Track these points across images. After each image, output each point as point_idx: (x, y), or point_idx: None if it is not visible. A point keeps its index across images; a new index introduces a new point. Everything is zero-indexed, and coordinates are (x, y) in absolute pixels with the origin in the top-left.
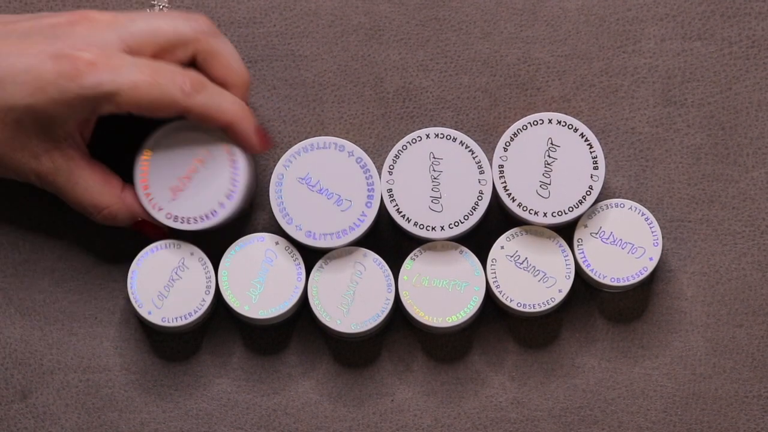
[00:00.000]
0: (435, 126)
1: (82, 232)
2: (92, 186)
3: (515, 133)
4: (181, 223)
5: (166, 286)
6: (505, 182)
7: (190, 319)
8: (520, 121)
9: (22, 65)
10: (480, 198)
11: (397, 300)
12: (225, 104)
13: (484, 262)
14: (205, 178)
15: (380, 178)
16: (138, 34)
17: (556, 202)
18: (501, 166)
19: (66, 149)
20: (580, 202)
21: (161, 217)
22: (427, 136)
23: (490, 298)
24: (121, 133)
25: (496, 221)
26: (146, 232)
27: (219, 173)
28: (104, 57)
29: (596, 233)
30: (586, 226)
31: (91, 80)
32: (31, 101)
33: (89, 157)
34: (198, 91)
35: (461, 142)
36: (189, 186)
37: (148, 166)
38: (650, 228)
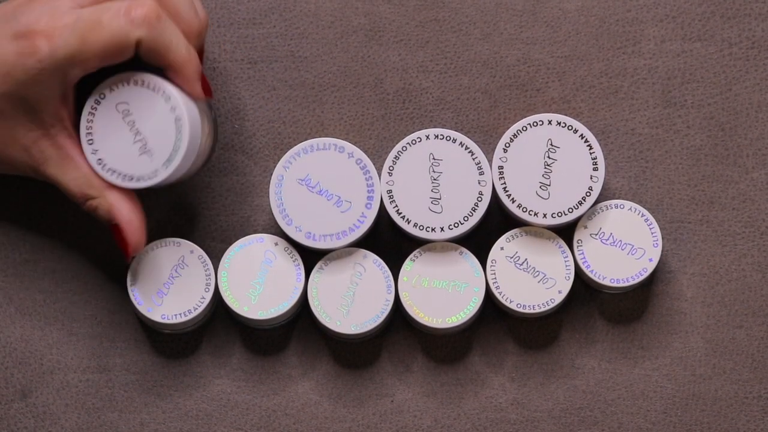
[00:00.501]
0: (435, 127)
1: (82, 232)
2: (80, 176)
3: (515, 134)
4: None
5: (165, 284)
6: (504, 183)
7: (190, 317)
8: (519, 122)
9: None
10: (480, 199)
11: (397, 301)
12: (174, 43)
13: (483, 263)
14: (147, 129)
15: (380, 179)
16: None
17: (555, 203)
18: (501, 167)
19: (55, 136)
20: (580, 203)
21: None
22: (427, 137)
23: (489, 299)
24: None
25: (495, 222)
26: (117, 239)
27: (165, 135)
28: (53, 22)
29: (596, 234)
30: (585, 227)
31: (45, 51)
32: (4, 88)
33: (80, 147)
34: (149, 22)
35: (461, 143)
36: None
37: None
38: (650, 229)
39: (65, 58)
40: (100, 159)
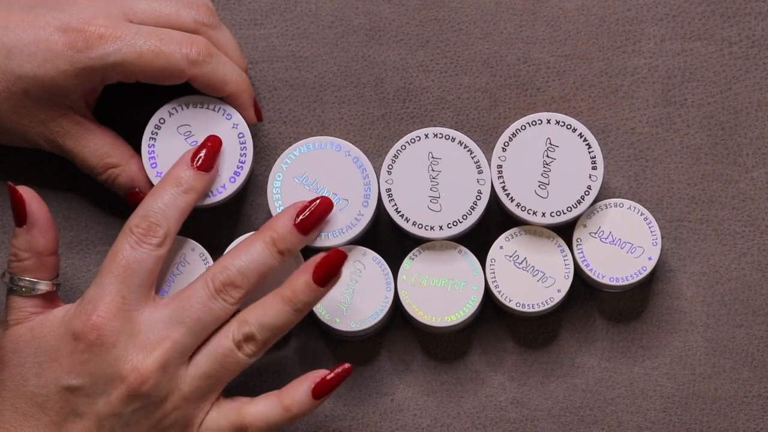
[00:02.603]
0: (435, 126)
1: (82, 232)
2: (101, 147)
3: (514, 133)
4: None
5: (167, 282)
6: (503, 182)
7: None
8: (518, 121)
9: (30, 37)
10: (479, 198)
11: (397, 299)
12: (229, 75)
13: (483, 262)
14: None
15: (378, 177)
16: (141, 13)
17: (554, 202)
18: (500, 166)
19: (73, 116)
20: (579, 201)
21: None
22: (426, 136)
23: (489, 297)
24: (128, 102)
25: (495, 221)
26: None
27: (229, 151)
28: (111, 28)
29: (595, 233)
30: (585, 226)
31: (99, 52)
32: (40, 72)
33: (97, 122)
34: (204, 60)
35: (460, 141)
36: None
37: (156, 140)
38: (649, 228)
39: (114, 65)
40: None
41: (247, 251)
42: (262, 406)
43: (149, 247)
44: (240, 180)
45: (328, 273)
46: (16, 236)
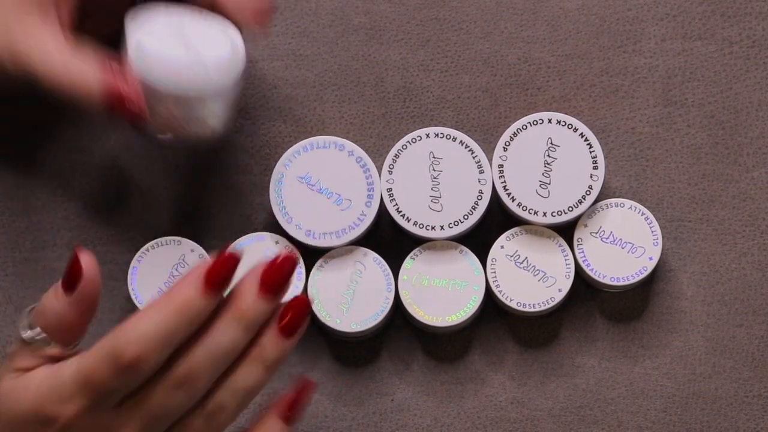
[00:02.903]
0: (435, 126)
1: (82, 232)
2: (70, 61)
3: (515, 133)
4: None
5: (166, 283)
6: (504, 182)
7: None
8: (519, 120)
9: None
10: (480, 197)
11: (397, 299)
12: None
13: (483, 262)
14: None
15: (380, 177)
16: None
17: (555, 201)
18: (501, 166)
19: (44, 21)
20: (580, 201)
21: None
22: (427, 135)
23: (489, 297)
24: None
25: (495, 221)
26: (121, 111)
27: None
28: None
29: (596, 233)
30: (585, 226)
31: None
32: None
33: (68, 33)
34: None
35: (461, 141)
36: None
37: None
38: (650, 227)
39: None
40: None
41: (209, 337)
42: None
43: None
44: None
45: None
46: (57, 298)
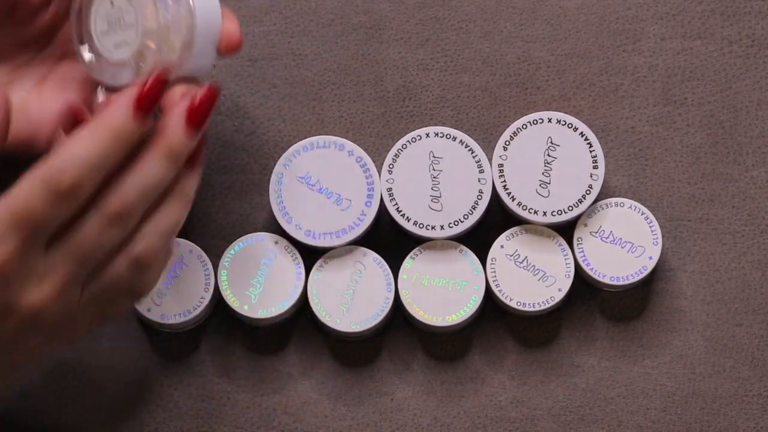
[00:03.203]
0: (435, 125)
1: None
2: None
3: (515, 132)
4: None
5: (165, 284)
6: (504, 181)
7: (190, 317)
8: (519, 120)
9: None
10: (480, 197)
11: (397, 299)
12: None
13: (483, 261)
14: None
15: (380, 177)
16: None
17: (555, 201)
18: (501, 165)
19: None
20: (580, 201)
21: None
22: (427, 135)
23: (489, 297)
24: None
25: (495, 220)
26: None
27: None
28: None
29: (596, 232)
30: (585, 225)
31: None
32: None
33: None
34: None
35: (461, 141)
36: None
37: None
38: (650, 227)
39: None
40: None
41: (142, 168)
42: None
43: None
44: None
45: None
46: None
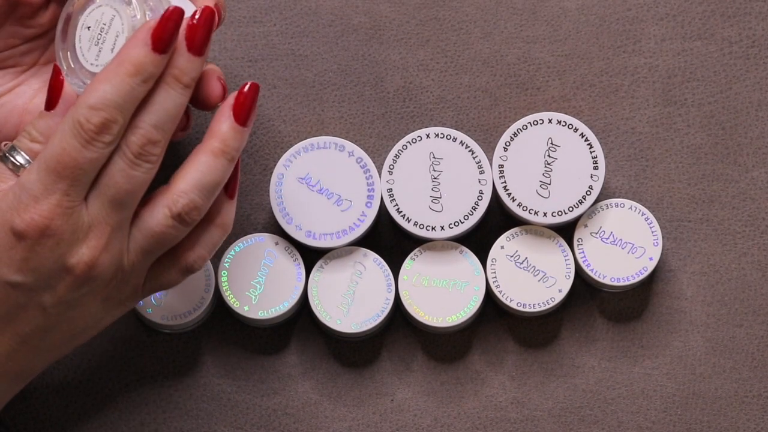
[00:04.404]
0: (435, 126)
1: None
2: None
3: (515, 133)
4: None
5: None
6: (505, 182)
7: (190, 318)
8: (520, 120)
9: None
10: (480, 198)
11: (397, 300)
12: None
13: (484, 262)
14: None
15: (380, 177)
16: None
17: (556, 201)
18: (501, 166)
19: None
20: (580, 201)
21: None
22: (427, 135)
23: (490, 297)
24: None
25: (496, 221)
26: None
27: None
28: None
29: (596, 233)
30: (586, 226)
31: None
32: None
33: None
34: None
35: (461, 141)
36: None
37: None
38: (650, 228)
39: None
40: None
41: (154, 101)
42: (199, 241)
43: (104, 149)
44: None
45: (249, 110)
46: (39, 117)
